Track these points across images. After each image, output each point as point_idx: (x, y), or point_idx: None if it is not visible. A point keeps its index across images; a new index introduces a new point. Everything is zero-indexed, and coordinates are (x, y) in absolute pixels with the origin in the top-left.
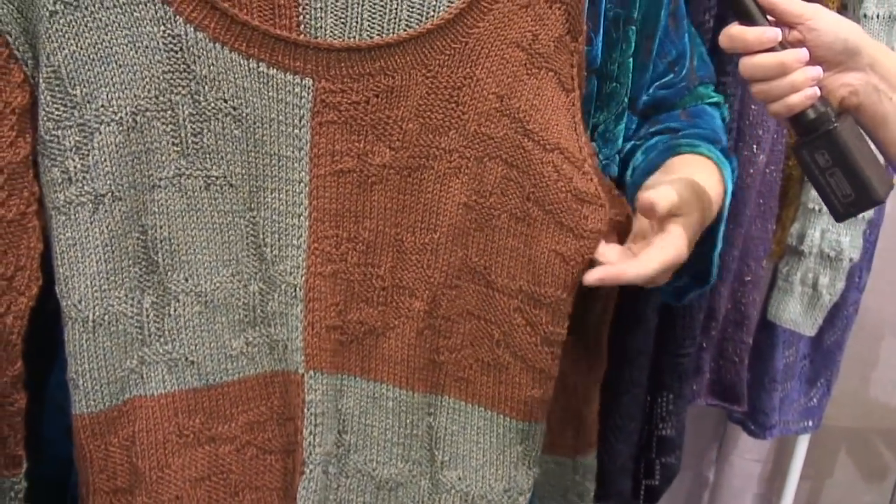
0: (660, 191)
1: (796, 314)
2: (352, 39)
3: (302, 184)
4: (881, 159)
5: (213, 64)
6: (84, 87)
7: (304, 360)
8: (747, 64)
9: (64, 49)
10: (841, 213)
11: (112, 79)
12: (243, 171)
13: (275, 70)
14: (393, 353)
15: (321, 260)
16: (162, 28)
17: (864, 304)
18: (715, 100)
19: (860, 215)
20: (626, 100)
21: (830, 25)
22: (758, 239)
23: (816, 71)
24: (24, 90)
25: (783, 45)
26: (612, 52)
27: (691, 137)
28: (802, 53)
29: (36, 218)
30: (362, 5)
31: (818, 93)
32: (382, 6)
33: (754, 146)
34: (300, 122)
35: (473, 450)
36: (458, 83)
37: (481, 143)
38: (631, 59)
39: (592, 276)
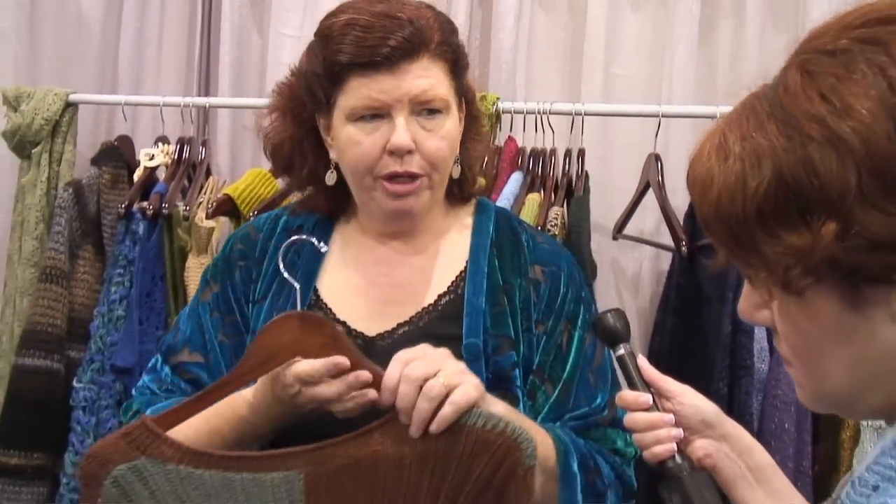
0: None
1: None
2: None
3: None
4: None
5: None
6: None
7: None
8: (628, 418)
9: None
10: None
11: None
12: None
13: None
14: None
15: None
16: None
17: None
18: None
19: None
20: None
21: (693, 401)
22: None
23: (677, 431)
24: None
25: (658, 409)
26: None
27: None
28: (668, 417)
29: None
30: None
31: (675, 448)
32: None
33: None
34: None
35: None
36: None
37: None
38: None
39: None
